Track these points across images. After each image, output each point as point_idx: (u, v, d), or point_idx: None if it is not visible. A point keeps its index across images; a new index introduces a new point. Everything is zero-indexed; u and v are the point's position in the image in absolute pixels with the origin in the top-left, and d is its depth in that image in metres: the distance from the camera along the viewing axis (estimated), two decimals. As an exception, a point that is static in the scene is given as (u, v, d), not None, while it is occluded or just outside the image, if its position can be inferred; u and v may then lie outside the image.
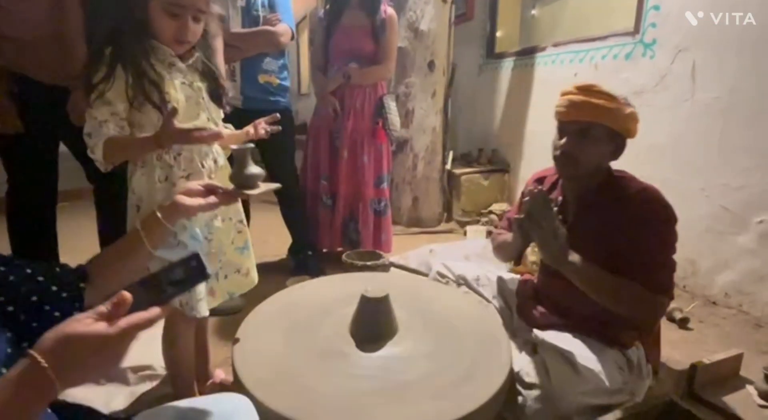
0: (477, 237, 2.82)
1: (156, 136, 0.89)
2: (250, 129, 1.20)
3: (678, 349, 1.58)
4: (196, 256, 0.64)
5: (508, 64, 3.31)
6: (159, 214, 0.81)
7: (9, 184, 1.65)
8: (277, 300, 1.22)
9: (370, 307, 1.03)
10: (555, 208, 1.06)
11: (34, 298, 0.65)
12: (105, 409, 1.15)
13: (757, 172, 1.79)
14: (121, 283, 0.60)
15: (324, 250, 2.34)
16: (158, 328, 1.11)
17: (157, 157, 1.01)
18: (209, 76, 1.10)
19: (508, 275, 1.46)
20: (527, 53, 3.10)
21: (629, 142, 1.13)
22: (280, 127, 1.24)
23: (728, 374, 1.35)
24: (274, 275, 2.09)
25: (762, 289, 1.81)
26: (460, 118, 3.85)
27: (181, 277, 0.62)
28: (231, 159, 1.05)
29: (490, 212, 3.16)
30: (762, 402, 1.26)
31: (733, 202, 1.89)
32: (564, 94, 1.12)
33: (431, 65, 3.00)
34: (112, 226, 1.70)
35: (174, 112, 0.88)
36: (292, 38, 1.97)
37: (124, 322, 0.52)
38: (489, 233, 2.79)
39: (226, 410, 0.72)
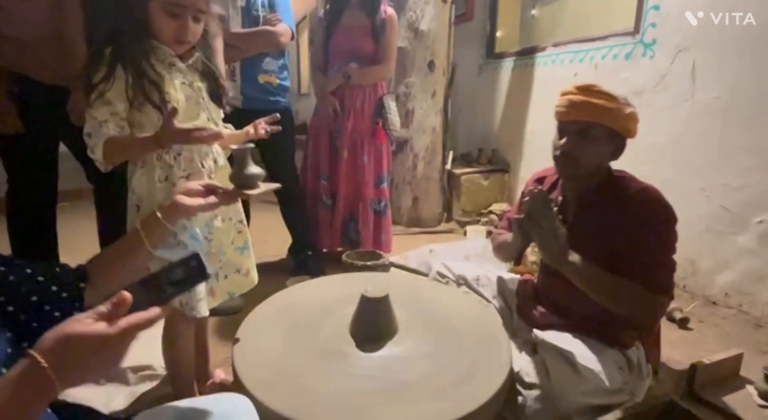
0: (477, 237, 2.82)
1: (156, 136, 0.89)
2: (250, 129, 1.20)
3: (678, 349, 1.58)
4: (196, 256, 0.64)
5: (508, 64, 3.31)
6: (159, 214, 0.81)
7: (9, 184, 1.65)
8: (277, 300, 1.22)
9: (370, 307, 1.03)
10: (555, 208, 1.06)
11: (34, 298, 0.65)
12: (105, 409, 1.15)
13: (757, 172, 1.79)
14: (121, 283, 0.60)
15: (324, 250, 2.34)
16: (158, 328, 1.11)
17: (157, 157, 1.01)
18: (209, 76, 1.10)
19: (508, 275, 1.46)
20: (527, 53, 3.10)
21: (629, 142, 1.13)
22: (280, 127, 1.24)
23: (728, 374, 1.35)
24: (274, 275, 2.09)
25: (762, 289, 1.81)
26: (460, 118, 3.85)
27: (181, 277, 0.62)
28: (231, 159, 1.05)
29: (490, 212, 3.16)
30: (762, 402, 1.26)
31: (733, 202, 1.89)
32: (564, 94, 1.12)
33: (431, 65, 3.00)
34: (112, 226, 1.70)
35: (174, 112, 0.88)
36: (292, 38, 1.97)
37: (124, 322, 0.52)
38: (489, 233, 2.79)
39: (226, 410, 0.72)
